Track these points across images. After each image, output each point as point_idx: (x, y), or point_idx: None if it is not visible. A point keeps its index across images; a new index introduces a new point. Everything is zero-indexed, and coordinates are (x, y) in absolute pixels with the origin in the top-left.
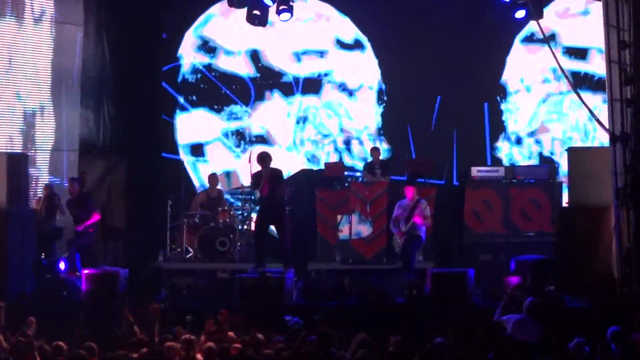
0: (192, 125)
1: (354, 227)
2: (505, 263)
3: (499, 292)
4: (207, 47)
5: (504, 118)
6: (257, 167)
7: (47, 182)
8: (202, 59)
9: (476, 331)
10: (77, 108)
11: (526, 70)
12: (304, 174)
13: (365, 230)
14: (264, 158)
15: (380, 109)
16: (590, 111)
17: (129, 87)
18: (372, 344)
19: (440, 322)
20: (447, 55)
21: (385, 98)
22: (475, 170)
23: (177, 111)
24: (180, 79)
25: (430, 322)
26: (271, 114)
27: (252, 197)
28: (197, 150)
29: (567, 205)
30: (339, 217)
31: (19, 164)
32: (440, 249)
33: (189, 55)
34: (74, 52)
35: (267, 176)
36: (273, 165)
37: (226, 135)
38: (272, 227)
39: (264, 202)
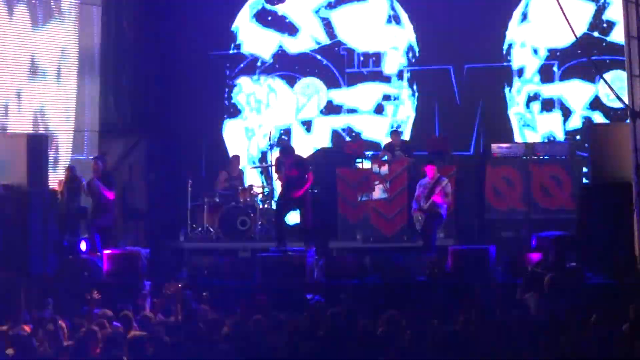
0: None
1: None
2: (526, 240)
3: (520, 268)
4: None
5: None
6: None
7: (68, 164)
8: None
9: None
10: (97, 88)
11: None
12: (324, 152)
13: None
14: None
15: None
16: (610, 86)
17: (149, 66)
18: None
19: (461, 299)
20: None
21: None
22: (495, 147)
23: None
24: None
25: (451, 299)
26: None
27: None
28: None
29: (587, 181)
30: (359, 195)
31: (39, 145)
32: (461, 226)
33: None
34: (93, 31)
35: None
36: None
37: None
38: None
39: (286, 183)
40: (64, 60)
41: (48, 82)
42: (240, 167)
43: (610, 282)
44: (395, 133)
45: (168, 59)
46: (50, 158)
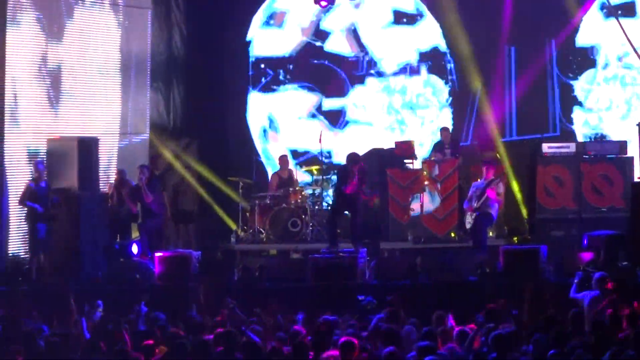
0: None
1: (425, 204)
2: (578, 239)
3: (571, 268)
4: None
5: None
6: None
7: (118, 167)
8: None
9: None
10: (147, 91)
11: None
12: (374, 153)
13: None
14: (353, 159)
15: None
16: None
17: (199, 69)
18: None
19: (513, 298)
20: None
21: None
22: (546, 147)
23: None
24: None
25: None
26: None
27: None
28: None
29: (638, 179)
30: (410, 197)
31: (89, 148)
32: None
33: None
34: (143, 35)
35: (356, 179)
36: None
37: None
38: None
39: (343, 193)
40: (114, 63)
41: (98, 85)
42: (288, 167)
43: None
44: (444, 130)
45: (218, 60)
46: (100, 161)
